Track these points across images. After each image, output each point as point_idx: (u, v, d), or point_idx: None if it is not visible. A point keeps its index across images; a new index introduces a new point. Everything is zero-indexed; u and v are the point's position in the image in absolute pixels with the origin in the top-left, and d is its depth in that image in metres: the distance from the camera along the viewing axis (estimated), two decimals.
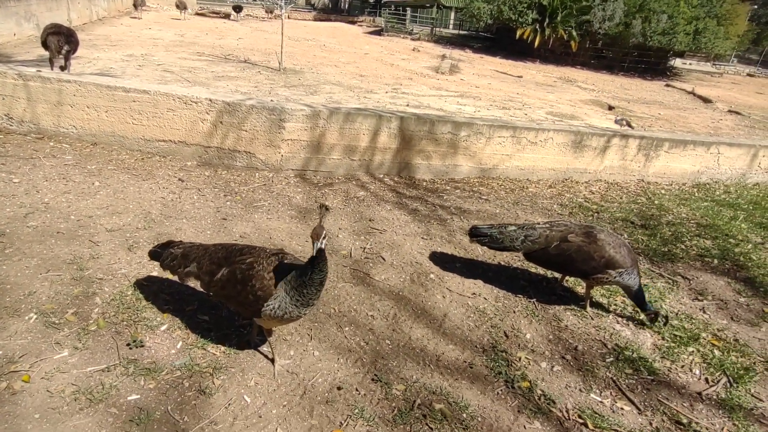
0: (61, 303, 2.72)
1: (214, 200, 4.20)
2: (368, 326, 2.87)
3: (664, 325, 3.13)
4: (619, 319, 3.25)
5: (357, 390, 2.39)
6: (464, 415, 2.32)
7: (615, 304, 3.41)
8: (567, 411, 2.43)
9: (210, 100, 4.76)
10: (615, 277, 3.09)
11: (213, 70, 11.68)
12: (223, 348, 2.55)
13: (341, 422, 2.21)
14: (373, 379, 2.47)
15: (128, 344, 2.49)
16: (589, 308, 3.29)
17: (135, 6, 20.43)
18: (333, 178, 5.01)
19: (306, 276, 2.14)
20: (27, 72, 4.97)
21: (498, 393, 2.49)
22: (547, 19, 22.15)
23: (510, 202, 4.92)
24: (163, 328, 2.65)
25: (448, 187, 5.13)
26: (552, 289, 3.52)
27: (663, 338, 3.08)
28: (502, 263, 3.80)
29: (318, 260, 2.10)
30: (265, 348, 2.59)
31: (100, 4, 18.40)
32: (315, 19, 30.81)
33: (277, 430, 2.13)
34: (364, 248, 3.73)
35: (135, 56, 12.25)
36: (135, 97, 4.82)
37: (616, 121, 7.29)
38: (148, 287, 2.96)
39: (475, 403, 2.40)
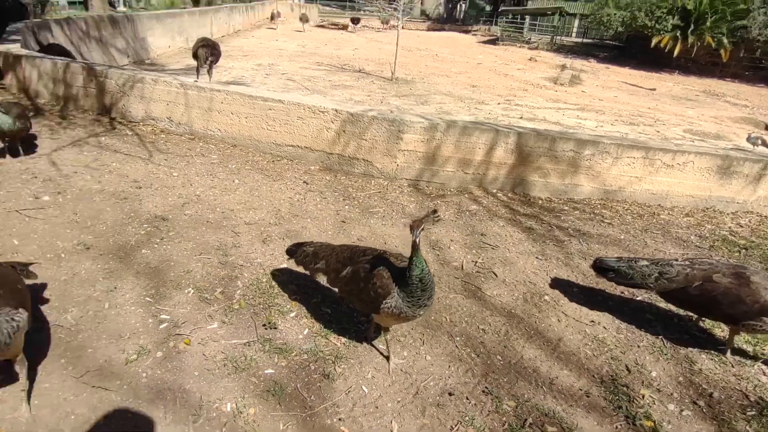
0: (211, 282, 3.27)
1: (334, 203, 4.65)
2: (479, 339, 2.98)
3: None
4: (766, 369, 2.94)
5: (467, 399, 2.53)
6: None
7: (763, 353, 3.08)
8: None
9: (336, 110, 5.27)
10: None
11: (330, 79, 12.67)
12: (343, 340, 2.86)
13: (452, 426, 2.36)
14: (483, 391, 2.58)
15: (264, 325, 2.92)
16: (729, 354, 3.03)
17: (272, 18, 23.26)
18: (445, 190, 5.20)
19: (406, 274, 2.34)
20: (186, 82, 5.97)
21: (617, 427, 2.44)
22: (691, 26, 20.16)
23: (637, 229, 4.66)
24: (292, 315, 3.05)
25: (567, 207, 5.02)
26: (684, 327, 3.29)
27: None
28: (625, 293, 3.65)
29: (412, 254, 2.29)
30: (380, 345, 2.84)
31: (236, 19, 21.02)
32: (429, 29, 31.66)
33: (392, 422, 2.35)
34: (476, 262, 3.85)
35: (263, 65, 13.77)
36: (271, 106, 5.53)
37: (748, 139, 6.45)
38: (278, 277, 3.41)
39: None
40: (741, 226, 4.92)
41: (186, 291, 3.15)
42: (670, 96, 16.40)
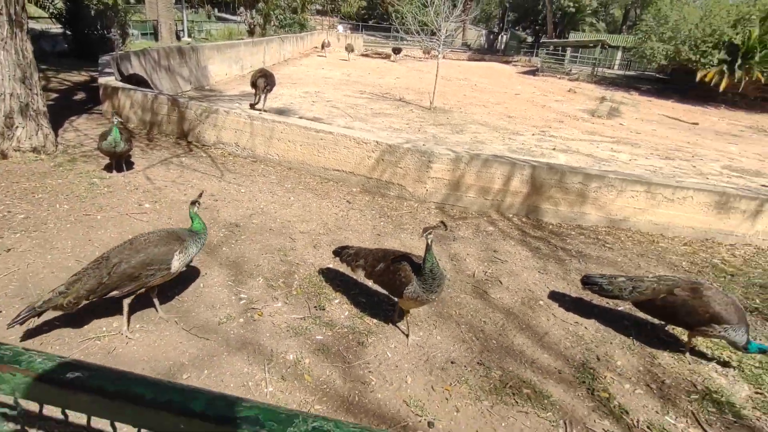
0: (275, 274, 4.37)
1: (371, 220, 5.72)
2: (480, 328, 3.91)
3: None
4: (719, 368, 3.70)
5: (465, 366, 3.46)
6: (545, 401, 3.21)
7: (720, 356, 3.84)
8: (637, 422, 3.12)
9: (377, 141, 6.40)
10: (720, 332, 3.59)
11: (371, 107, 13.97)
12: (374, 321, 3.87)
13: (451, 383, 3.30)
14: (478, 363, 3.51)
15: (315, 306, 3.97)
16: (688, 354, 3.80)
17: (323, 47, 25.65)
18: (467, 213, 6.18)
19: (421, 266, 3.32)
20: (253, 113, 7.29)
21: (578, 394, 3.30)
22: (738, 60, 20.45)
23: (634, 254, 5.45)
24: (336, 301, 4.09)
25: (573, 233, 5.88)
26: (655, 332, 4.09)
27: (762, 393, 3.46)
28: (610, 305, 4.47)
29: (425, 252, 3.26)
30: (402, 326, 3.83)
31: (287, 49, 23.03)
32: (469, 59, 33.05)
33: (407, 377, 3.32)
34: (486, 272, 4.79)
35: (309, 93, 15.28)
36: (323, 136, 6.73)
37: None
38: (326, 274, 4.47)
39: (556, 396, 3.26)
40: (734, 256, 5.61)
41: (257, 279, 4.26)
42: (713, 131, 16.70)
